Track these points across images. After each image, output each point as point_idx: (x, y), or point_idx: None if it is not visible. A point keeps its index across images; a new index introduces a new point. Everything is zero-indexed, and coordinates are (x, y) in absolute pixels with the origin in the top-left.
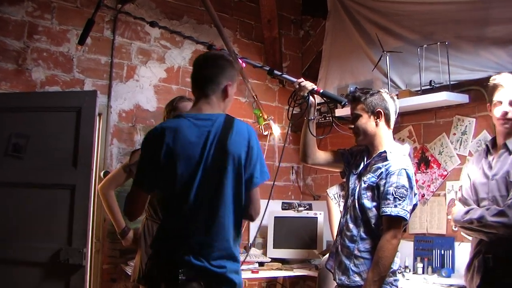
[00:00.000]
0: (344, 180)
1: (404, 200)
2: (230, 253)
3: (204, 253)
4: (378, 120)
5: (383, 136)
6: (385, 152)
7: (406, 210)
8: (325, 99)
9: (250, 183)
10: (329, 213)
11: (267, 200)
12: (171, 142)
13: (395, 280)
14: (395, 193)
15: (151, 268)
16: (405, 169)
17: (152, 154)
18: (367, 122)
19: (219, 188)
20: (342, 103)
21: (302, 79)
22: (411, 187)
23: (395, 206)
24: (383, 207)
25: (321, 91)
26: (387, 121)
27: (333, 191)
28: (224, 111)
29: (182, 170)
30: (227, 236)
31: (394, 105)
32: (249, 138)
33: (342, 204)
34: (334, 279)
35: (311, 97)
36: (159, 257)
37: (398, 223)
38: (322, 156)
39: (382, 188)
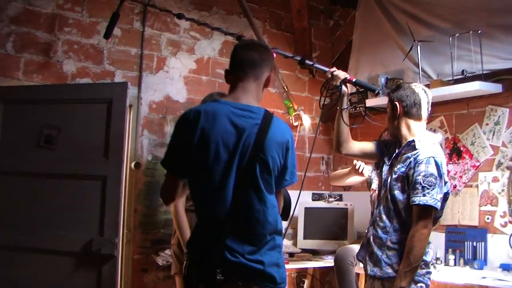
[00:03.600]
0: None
1: (433, 188)
2: (267, 246)
3: (239, 249)
4: (396, 112)
5: (410, 127)
6: (413, 141)
7: (436, 199)
8: (358, 88)
9: (279, 184)
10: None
11: (298, 191)
12: (207, 127)
13: (427, 273)
14: (424, 181)
15: (188, 268)
16: (433, 157)
17: (185, 137)
18: (389, 114)
19: (254, 183)
20: (376, 92)
21: (334, 68)
22: (440, 175)
23: (424, 195)
24: (412, 197)
25: (354, 80)
26: (408, 114)
27: (371, 167)
28: (259, 100)
29: (215, 158)
30: (263, 230)
31: (425, 97)
32: (287, 139)
33: (375, 181)
34: (365, 270)
35: (343, 87)
36: (195, 256)
37: (428, 212)
38: (356, 146)
39: (411, 178)
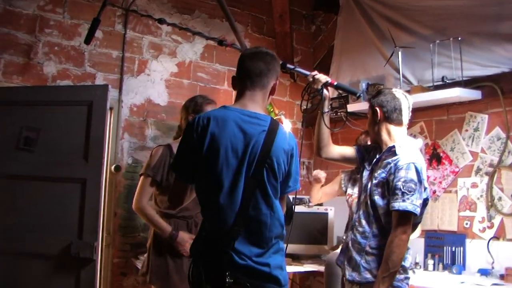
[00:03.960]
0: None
1: (413, 194)
2: (273, 249)
3: (247, 252)
4: (376, 118)
5: (390, 132)
6: (394, 146)
7: (415, 205)
8: (339, 91)
9: (283, 190)
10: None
11: (292, 196)
12: (216, 132)
13: (406, 278)
14: (403, 187)
15: (195, 272)
16: (413, 163)
17: (195, 143)
18: (370, 120)
19: (262, 188)
20: (357, 95)
21: (316, 72)
22: (420, 181)
23: (403, 200)
24: (392, 202)
25: (336, 83)
26: (389, 119)
27: (345, 173)
28: (264, 108)
29: (224, 164)
30: (270, 234)
31: (406, 102)
32: (292, 146)
33: (350, 187)
34: (344, 275)
35: (325, 90)
36: (202, 259)
37: (407, 218)
38: (336, 150)
39: (391, 184)
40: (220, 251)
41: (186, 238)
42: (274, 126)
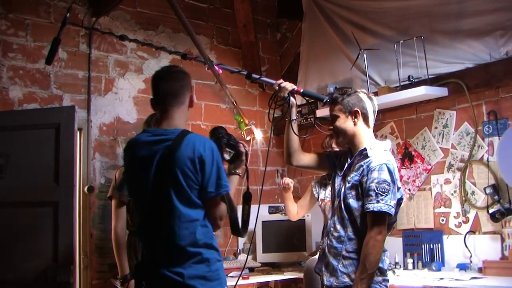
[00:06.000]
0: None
1: (386, 195)
2: (193, 259)
3: (164, 261)
4: (356, 119)
5: (363, 135)
6: (365, 149)
7: (390, 205)
8: (306, 98)
9: (205, 196)
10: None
11: (257, 206)
12: (129, 157)
13: (384, 280)
14: (377, 188)
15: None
16: (386, 164)
17: (125, 168)
18: (345, 122)
19: (167, 200)
20: (324, 101)
21: (281, 80)
22: (393, 181)
23: (378, 201)
24: (366, 204)
25: (302, 90)
26: (365, 120)
27: (314, 180)
28: (186, 119)
29: (136, 183)
30: (181, 243)
31: (372, 104)
32: (200, 153)
33: (322, 192)
34: (322, 281)
35: (291, 98)
36: (135, 268)
37: (382, 219)
38: (306, 157)
39: (364, 185)
40: (143, 260)
41: None
42: (179, 138)
